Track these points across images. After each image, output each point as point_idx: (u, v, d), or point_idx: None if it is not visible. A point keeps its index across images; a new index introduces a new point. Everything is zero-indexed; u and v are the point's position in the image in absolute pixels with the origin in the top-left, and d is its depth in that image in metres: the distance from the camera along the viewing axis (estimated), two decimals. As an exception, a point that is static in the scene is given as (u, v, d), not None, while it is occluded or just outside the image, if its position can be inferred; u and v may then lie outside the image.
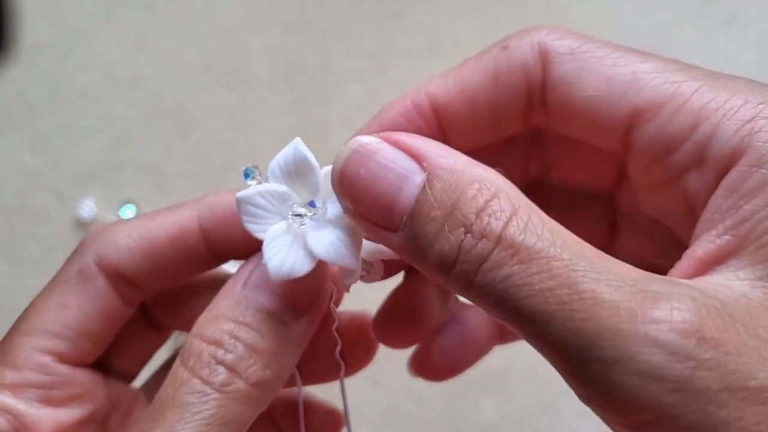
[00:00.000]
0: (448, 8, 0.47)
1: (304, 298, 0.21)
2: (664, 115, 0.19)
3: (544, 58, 0.21)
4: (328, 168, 0.21)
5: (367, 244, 0.22)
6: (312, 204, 0.21)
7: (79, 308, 0.23)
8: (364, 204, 0.19)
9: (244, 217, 0.21)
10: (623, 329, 0.16)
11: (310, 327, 0.22)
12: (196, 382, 0.20)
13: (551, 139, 0.23)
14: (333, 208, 0.21)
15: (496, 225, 0.17)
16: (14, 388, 0.22)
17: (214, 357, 0.20)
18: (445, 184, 0.18)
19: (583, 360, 0.16)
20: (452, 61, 0.48)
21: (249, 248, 0.22)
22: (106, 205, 0.46)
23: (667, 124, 0.19)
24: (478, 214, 0.17)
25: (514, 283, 0.17)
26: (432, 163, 0.18)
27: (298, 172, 0.21)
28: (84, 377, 0.24)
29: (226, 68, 0.47)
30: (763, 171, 0.17)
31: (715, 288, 0.17)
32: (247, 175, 0.22)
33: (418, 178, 0.18)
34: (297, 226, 0.21)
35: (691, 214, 0.19)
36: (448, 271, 0.17)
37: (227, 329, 0.21)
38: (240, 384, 0.20)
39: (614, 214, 0.24)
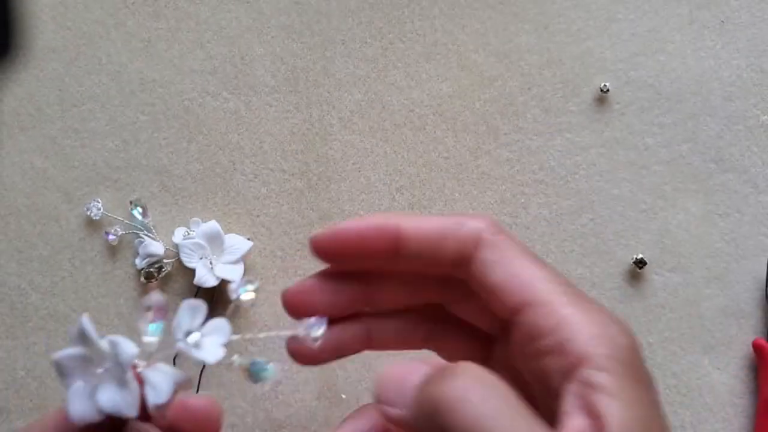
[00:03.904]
0: (447, 15, 0.48)
1: None
2: (541, 312, 0.27)
3: (477, 243, 0.29)
4: (110, 338, 0.27)
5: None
6: (100, 367, 0.27)
7: None
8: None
9: (58, 373, 0.27)
10: None
11: None
12: None
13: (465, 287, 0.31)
14: (114, 372, 0.27)
15: None
16: None
17: None
18: None
19: None
20: (450, 66, 0.49)
21: None
22: (115, 205, 0.47)
23: (542, 318, 0.27)
24: None
25: None
26: None
27: (86, 341, 0.27)
28: None
29: (231, 73, 0.47)
30: (590, 369, 0.25)
31: None
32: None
33: None
34: (92, 383, 0.27)
35: (545, 381, 0.26)
36: None
37: None
38: None
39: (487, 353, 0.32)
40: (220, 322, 0.28)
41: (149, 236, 0.46)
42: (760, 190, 0.47)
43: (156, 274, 0.46)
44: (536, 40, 0.47)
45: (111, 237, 0.46)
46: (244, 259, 0.46)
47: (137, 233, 0.46)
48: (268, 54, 0.47)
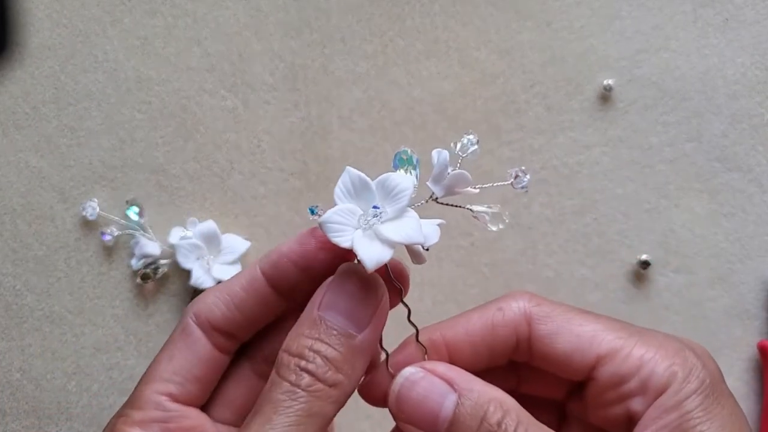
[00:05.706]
0: (448, 12, 0.47)
1: (364, 316, 0.27)
2: (618, 360, 0.28)
3: (529, 319, 0.30)
4: (379, 178, 0.27)
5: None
6: (376, 208, 0.27)
7: (183, 357, 0.29)
8: (415, 415, 0.27)
9: (330, 234, 0.26)
10: None
11: (372, 337, 0.27)
12: (286, 384, 0.26)
13: (526, 368, 0.32)
14: (391, 207, 0.27)
15: (510, 430, 0.26)
16: (141, 423, 0.28)
17: (299, 366, 0.26)
18: (472, 402, 0.27)
19: None
20: (451, 63, 0.49)
21: (303, 285, 0.29)
22: (111, 205, 0.46)
23: (621, 365, 0.28)
24: (498, 424, 0.26)
25: None
26: (459, 386, 0.27)
27: (357, 190, 0.27)
28: (194, 414, 0.29)
29: (228, 71, 0.47)
30: (676, 397, 0.27)
31: None
32: (312, 211, 0.27)
33: (453, 396, 0.27)
34: (369, 228, 0.26)
35: (630, 423, 0.28)
36: None
37: (307, 345, 0.26)
38: (320, 385, 0.26)
39: (561, 416, 0.33)
40: (461, 173, 0.29)
41: (145, 236, 0.46)
42: (765, 190, 0.46)
43: (152, 275, 0.45)
44: (538, 37, 0.47)
45: (107, 237, 0.46)
46: (241, 259, 0.45)
47: (133, 233, 0.46)
48: (266, 51, 0.47)
